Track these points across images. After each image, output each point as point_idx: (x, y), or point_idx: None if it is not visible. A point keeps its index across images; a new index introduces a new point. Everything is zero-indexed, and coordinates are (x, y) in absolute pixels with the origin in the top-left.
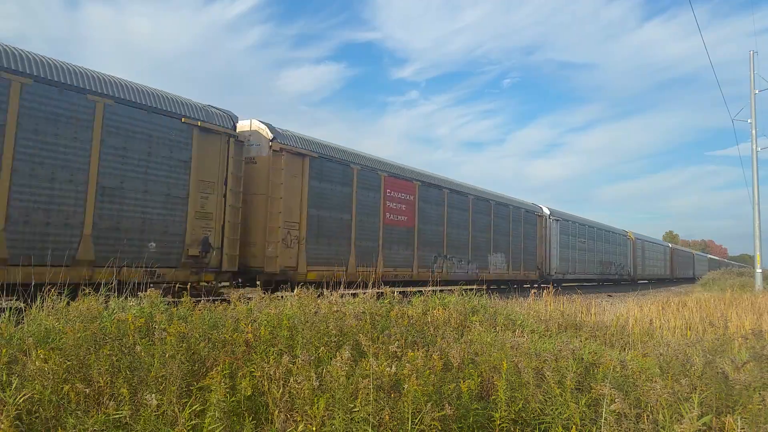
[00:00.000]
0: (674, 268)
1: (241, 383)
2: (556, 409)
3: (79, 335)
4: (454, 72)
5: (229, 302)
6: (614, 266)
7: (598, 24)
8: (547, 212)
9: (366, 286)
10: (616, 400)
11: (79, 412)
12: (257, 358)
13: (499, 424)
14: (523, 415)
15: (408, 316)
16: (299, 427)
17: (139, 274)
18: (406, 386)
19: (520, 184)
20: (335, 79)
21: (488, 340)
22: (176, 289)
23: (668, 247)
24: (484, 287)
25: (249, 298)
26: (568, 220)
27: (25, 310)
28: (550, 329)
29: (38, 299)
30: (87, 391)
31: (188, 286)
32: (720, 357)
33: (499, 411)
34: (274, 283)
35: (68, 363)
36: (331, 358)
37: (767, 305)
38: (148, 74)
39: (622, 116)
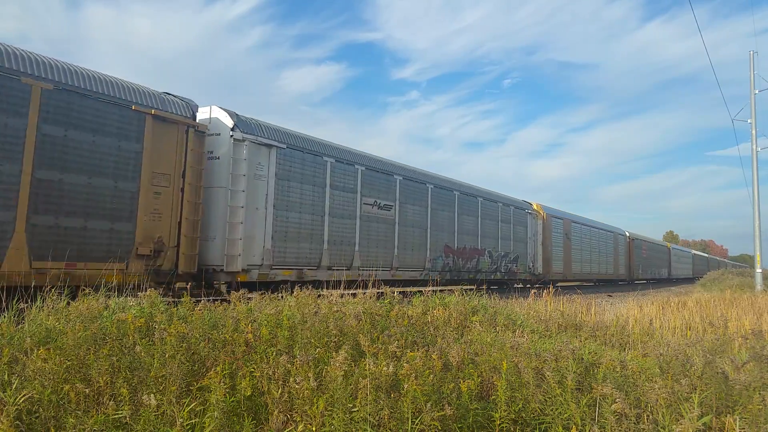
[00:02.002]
0: (633, 265)
1: (240, 383)
2: (557, 409)
3: (79, 335)
4: (455, 72)
5: (229, 302)
6: (490, 258)
7: (599, 24)
8: (227, 123)
9: None
10: (616, 400)
11: (79, 412)
12: (257, 358)
13: (499, 424)
14: (523, 415)
15: (408, 316)
16: (299, 427)
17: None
18: (405, 386)
19: (521, 185)
20: (336, 79)
21: (488, 340)
22: (176, 288)
23: (623, 235)
24: None
25: (249, 298)
26: (323, 154)
27: (25, 310)
28: (549, 329)
29: (38, 299)
30: (87, 391)
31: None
32: (720, 357)
33: (499, 411)
34: None
35: (68, 363)
36: (330, 359)
37: (767, 305)
38: (148, 74)
39: (622, 116)
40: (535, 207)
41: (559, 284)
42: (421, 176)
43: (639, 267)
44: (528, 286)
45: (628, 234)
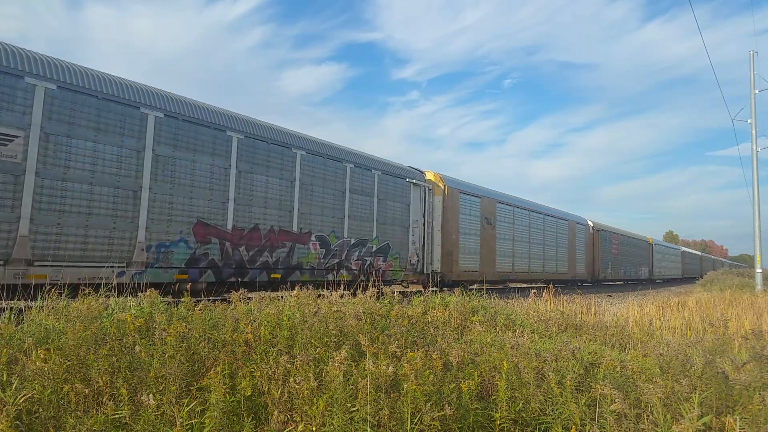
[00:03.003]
0: (599, 263)
1: (240, 383)
2: (557, 409)
3: (78, 335)
4: (455, 72)
5: (229, 302)
6: (324, 248)
7: (599, 24)
8: None
9: None
10: (616, 400)
11: (78, 412)
12: (257, 358)
13: (500, 424)
14: (523, 415)
15: (408, 316)
16: (299, 427)
17: None
18: (405, 386)
19: (521, 185)
20: (336, 79)
21: (488, 340)
22: (177, 288)
23: (583, 225)
24: None
25: (249, 298)
26: None
27: (25, 310)
28: (549, 329)
29: (39, 299)
30: (87, 391)
31: None
32: (720, 357)
33: (499, 411)
34: None
35: (68, 363)
36: (330, 359)
37: (767, 305)
38: (149, 74)
39: (622, 116)
40: (430, 177)
41: (473, 288)
42: (130, 92)
43: (607, 265)
44: (428, 289)
45: (591, 224)
